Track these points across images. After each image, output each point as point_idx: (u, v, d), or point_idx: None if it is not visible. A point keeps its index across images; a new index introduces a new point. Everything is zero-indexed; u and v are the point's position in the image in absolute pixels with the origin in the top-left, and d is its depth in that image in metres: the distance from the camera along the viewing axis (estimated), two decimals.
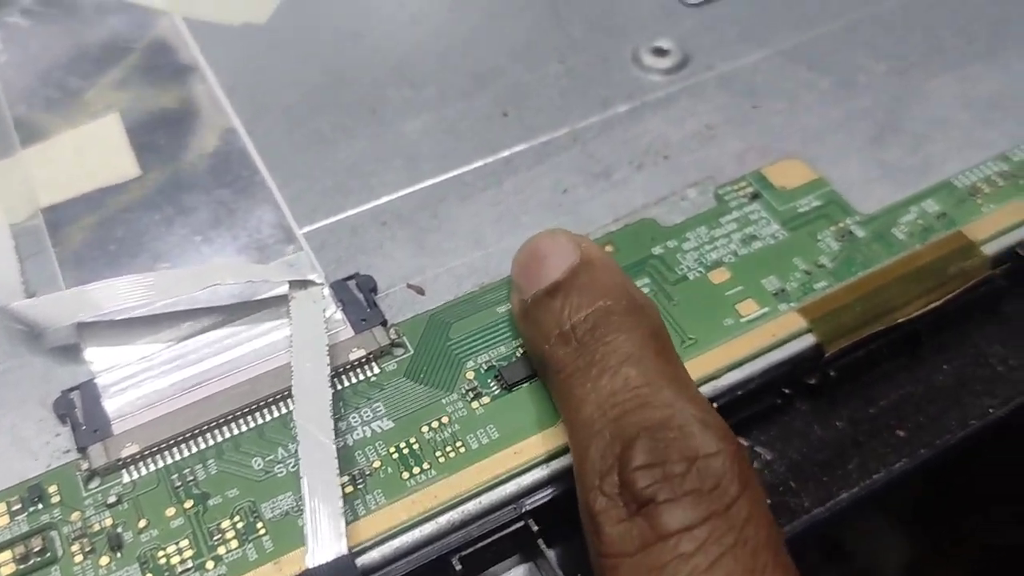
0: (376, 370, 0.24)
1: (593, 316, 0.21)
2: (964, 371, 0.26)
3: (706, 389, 0.24)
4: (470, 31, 0.34)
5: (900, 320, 0.25)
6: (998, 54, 0.32)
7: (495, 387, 0.24)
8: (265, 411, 0.24)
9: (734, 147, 0.30)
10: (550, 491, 0.22)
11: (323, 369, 0.23)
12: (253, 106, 0.32)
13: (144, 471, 0.23)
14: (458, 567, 0.22)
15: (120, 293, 0.25)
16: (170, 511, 0.22)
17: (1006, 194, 0.28)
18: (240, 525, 0.22)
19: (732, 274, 0.26)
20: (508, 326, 0.25)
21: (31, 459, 0.23)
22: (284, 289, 0.25)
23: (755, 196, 0.28)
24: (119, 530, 0.22)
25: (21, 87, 0.32)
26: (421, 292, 0.26)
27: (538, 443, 0.23)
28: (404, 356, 0.25)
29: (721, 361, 0.24)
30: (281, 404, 0.24)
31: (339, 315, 0.25)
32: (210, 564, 0.21)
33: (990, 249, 0.26)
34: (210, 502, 0.22)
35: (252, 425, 0.24)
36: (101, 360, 0.25)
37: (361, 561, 0.21)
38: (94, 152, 0.30)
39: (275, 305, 0.25)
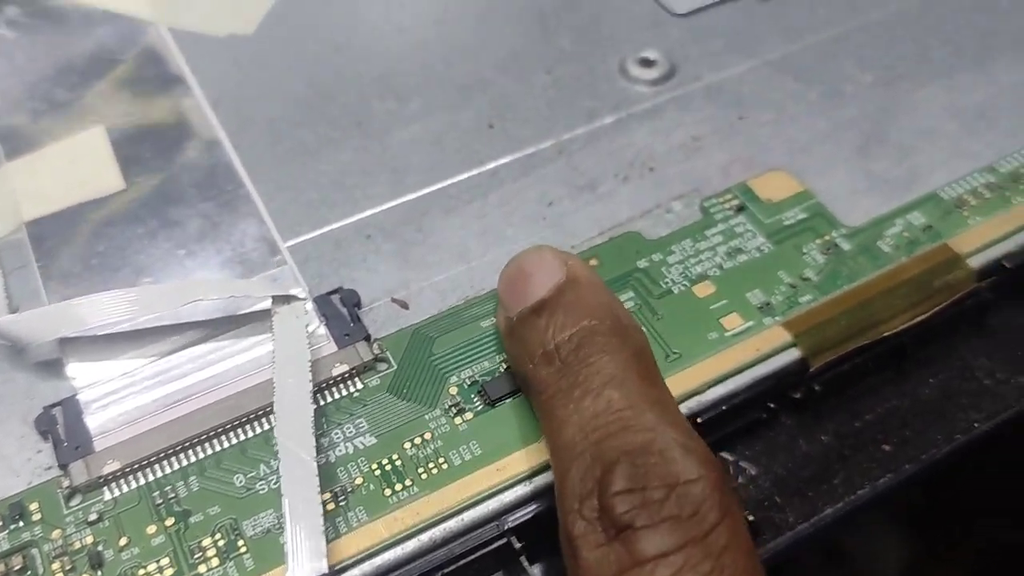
0: (359, 385, 0.24)
1: (578, 336, 0.21)
2: (950, 385, 0.26)
3: (690, 404, 0.24)
4: (456, 43, 0.34)
5: (886, 334, 0.25)
6: (985, 65, 0.32)
7: (478, 403, 0.24)
8: (247, 427, 0.24)
9: (720, 159, 0.30)
10: (533, 508, 0.22)
11: (305, 385, 0.23)
12: (238, 118, 0.31)
13: (126, 488, 0.23)
14: None
15: (103, 308, 0.25)
16: (151, 528, 0.22)
17: (992, 206, 0.28)
18: (221, 543, 0.22)
19: (717, 288, 0.26)
20: (492, 341, 0.25)
21: (12, 476, 0.23)
22: (267, 304, 0.25)
23: (741, 208, 0.28)
24: (100, 548, 0.22)
25: (6, 99, 0.32)
26: (405, 306, 0.26)
27: (521, 459, 0.23)
28: (387, 371, 0.25)
29: (706, 375, 0.24)
30: (264, 420, 0.24)
31: (322, 330, 0.25)
32: None
33: (976, 262, 0.26)
34: (191, 519, 0.22)
35: (234, 441, 0.23)
36: (83, 376, 0.25)
37: None
38: (79, 165, 0.30)
39: (258, 320, 0.25)
